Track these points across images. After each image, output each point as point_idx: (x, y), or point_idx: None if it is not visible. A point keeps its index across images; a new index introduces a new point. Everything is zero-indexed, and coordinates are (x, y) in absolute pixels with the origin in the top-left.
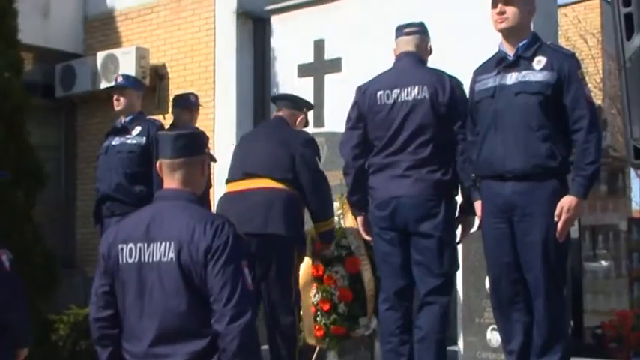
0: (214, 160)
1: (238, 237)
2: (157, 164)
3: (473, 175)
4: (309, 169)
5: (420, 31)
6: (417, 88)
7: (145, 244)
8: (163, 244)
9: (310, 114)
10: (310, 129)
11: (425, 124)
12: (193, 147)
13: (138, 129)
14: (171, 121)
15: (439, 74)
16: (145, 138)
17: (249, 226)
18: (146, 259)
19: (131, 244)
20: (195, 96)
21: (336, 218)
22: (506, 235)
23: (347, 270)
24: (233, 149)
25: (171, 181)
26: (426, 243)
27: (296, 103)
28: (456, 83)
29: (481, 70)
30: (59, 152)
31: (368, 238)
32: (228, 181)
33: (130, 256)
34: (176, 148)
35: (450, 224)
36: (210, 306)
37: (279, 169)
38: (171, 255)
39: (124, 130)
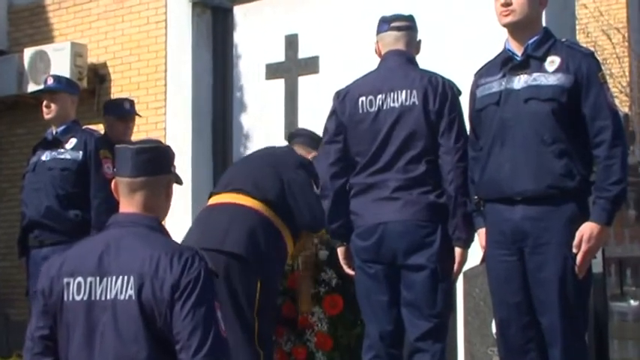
0: (179, 182)
1: (211, 273)
2: (113, 183)
3: (475, 197)
4: (300, 190)
5: (410, 26)
6: (404, 92)
7: (97, 279)
8: (120, 278)
9: (281, 125)
10: (282, 141)
11: (415, 136)
12: (158, 163)
13: (73, 141)
14: (102, 132)
15: (431, 76)
16: (81, 152)
17: (206, 241)
18: (98, 297)
19: (79, 279)
20: (131, 103)
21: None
22: (516, 270)
23: (326, 312)
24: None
25: (129, 204)
26: (416, 277)
27: (314, 142)
28: (449, 86)
29: (484, 73)
30: None
31: (350, 272)
32: (211, 194)
33: (78, 293)
34: (137, 164)
35: (447, 255)
36: (175, 355)
37: (260, 186)
38: (130, 292)
39: (56, 143)
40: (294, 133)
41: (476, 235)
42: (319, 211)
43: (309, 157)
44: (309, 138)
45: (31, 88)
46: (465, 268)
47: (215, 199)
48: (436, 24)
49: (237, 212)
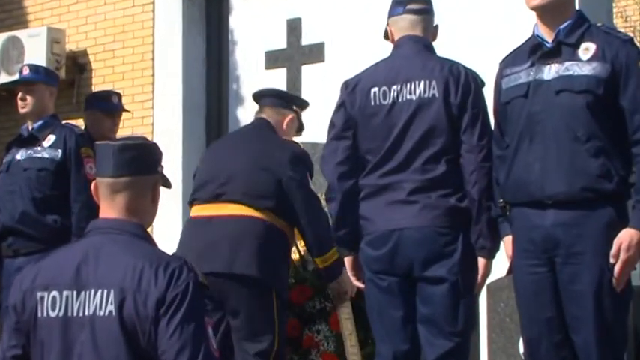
0: (168, 185)
1: (201, 285)
2: (93, 185)
3: (501, 201)
4: (300, 195)
5: (427, 9)
6: (423, 83)
7: (74, 293)
8: (99, 292)
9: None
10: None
11: (434, 132)
12: (143, 162)
13: (51, 138)
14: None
15: (451, 65)
16: (60, 151)
17: (211, 264)
18: (75, 313)
19: (55, 292)
20: (119, 96)
21: None
22: (547, 282)
23: (332, 329)
24: (200, 158)
25: (110, 208)
26: (435, 291)
27: (284, 100)
28: (473, 77)
29: (510, 62)
30: None
31: (359, 285)
32: (193, 202)
33: (53, 308)
34: (120, 162)
35: (469, 266)
36: None
37: (259, 194)
38: (110, 307)
39: (33, 140)
40: (260, 94)
41: (501, 243)
42: (323, 229)
43: (285, 120)
44: (277, 98)
45: (3, 78)
46: (489, 280)
47: (205, 211)
48: (452, 6)
49: (241, 227)
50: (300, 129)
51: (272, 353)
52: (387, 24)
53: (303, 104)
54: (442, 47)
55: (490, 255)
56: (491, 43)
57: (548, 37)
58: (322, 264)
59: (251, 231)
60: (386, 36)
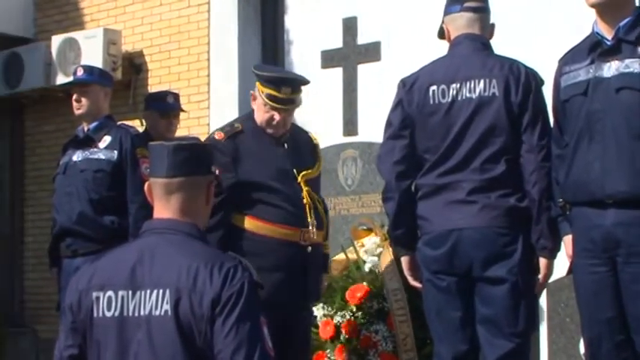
0: (221, 189)
1: (255, 285)
2: (146, 186)
3: (560, 200)
4: None
5: (485, 7)
6: (483, 82)
7: (130, 293)
8: (155, 292)
9: (339, 118)
10: (340, 138)
11: (494, 131)
12: (198, 163)
13: (107, 139)
14: (143, 128)
15: (511, 63)
16: (116, 152)
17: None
18: (130, 313)
19: (110, 292)
20: (175, 96)
21: (375, 258)
22: (608, 282)
23: (390, 329)
24: None
25: (164, 209)
26: (495, 292)
27: None
28: (533, 75)
29: (569, 59)
30: (1, 170)
31: (417, 285)
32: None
33: (109, 309)
34: (174, 163)
35: (529, 266)
36: None
37: None
38: (166, 307)
39: (89, 142)
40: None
41: (561, 243)
42: None
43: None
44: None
45: (60, 80)
46: (549, 280)
47: (264, 228)
48: (510, 4)
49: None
50: None
51: None
52: (443, 22)
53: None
54: (500, 45)
55: (552, 255)
56: (549, 40)
57: (607, 34)
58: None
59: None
60: (441, 34)
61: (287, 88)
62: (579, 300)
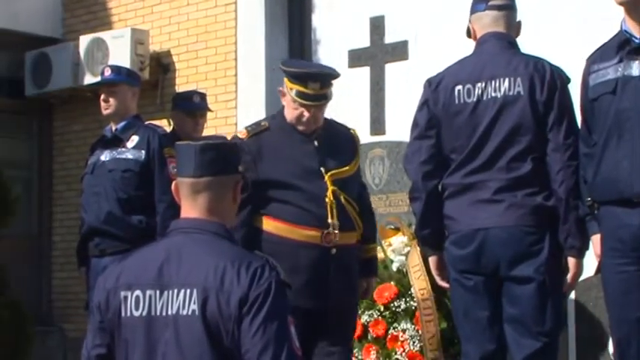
0: (246, 188)
1: (283, 284)
2: (173, 185)
3: (588, 199)
4: None
5: (510, 5)
6: (507, 81)
7: (157, 292)
8: (182, 292)
9: (366, 118)
10: (367, 137)
11: (520, 130)
12: (225, 162)
13: (134, 139)
14: (170, 128)
15: (536, 61)
16: (143, 151)
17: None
18: (158, 312)
19: (138, 292)
20: (202, 96)
21: (402, 257)
22: (637, 281)
23: (417, 329)
24: None
25: (192, 208)
26: (523, 291)
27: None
28: (558, 73)
29: (597, 58)
30: (30, 170)
31: (444, 285)
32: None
33: (137, 308)
34: (201, 163)
35: (557, 265)
36: None
37: None
38: (194, 307)
39: (117, 141)
40: None
41: (589, 242)
42: None
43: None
44: None
45: (88, 80)
46: None
47: (282, 229)
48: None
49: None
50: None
51: None
52: (469, 21)
53: None
54: (527, 43)
55: (580, 254)
56: (577, 38)
57: (636, 32)
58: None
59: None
60: (468, 33)
61: (315, 83)
62: (608, 299)
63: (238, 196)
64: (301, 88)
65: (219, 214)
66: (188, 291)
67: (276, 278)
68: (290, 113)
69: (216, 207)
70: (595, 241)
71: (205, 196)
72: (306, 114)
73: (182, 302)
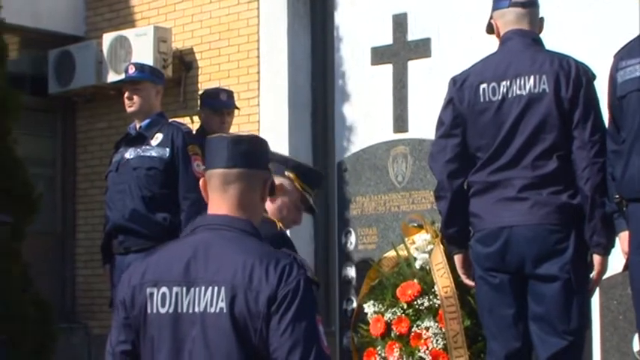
0: (272, 192)
1: (312, 283)
2: (202, 181)
3: (616, 196)
4: None
5: (534, 1)
6: (532, 78)
7: (184, 289)
8: (210, 289)
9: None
10: (390, 135)
11: (545, 128)
12: (256, 156)
13: (159, 137)
14: (198, 126)
15: (561, 58)
16: (168, 149)
17: None
18: (185, 309)
19: (164, 289)
20: (229, 94)
21: (425, 255)
22: None
23: (441, 327)
24: None
25: (221, 200)
26: (548, 289)
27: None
28: (584, 70)
29: (625, 54)
30: (54, 168)
31: (470, 283)
32: None
33: (163, 305)
34: (234, 154)
35: (582, 264)
36: None
37: None
38: (222, 304)
39: (141, 139)
40: None
41: (616, 239)
42: None
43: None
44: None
45: (112, 77)
46: None
47: None
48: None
49: None
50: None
51: None
52: (492, 17)
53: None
54: (552, 40)
55: (605, 252)
56: (603, 35)
57: None
58: None
59: None
60: (489, 29)
61: None
62: (635, 297)
63: (266, 195)
64: None
65: (248, 210)
66: (216, 288)
67: (304, 276)
68: None
69: (246, 201)
70: (623, 238)
71: (236, 187)
72: None
73: (210, 300)
